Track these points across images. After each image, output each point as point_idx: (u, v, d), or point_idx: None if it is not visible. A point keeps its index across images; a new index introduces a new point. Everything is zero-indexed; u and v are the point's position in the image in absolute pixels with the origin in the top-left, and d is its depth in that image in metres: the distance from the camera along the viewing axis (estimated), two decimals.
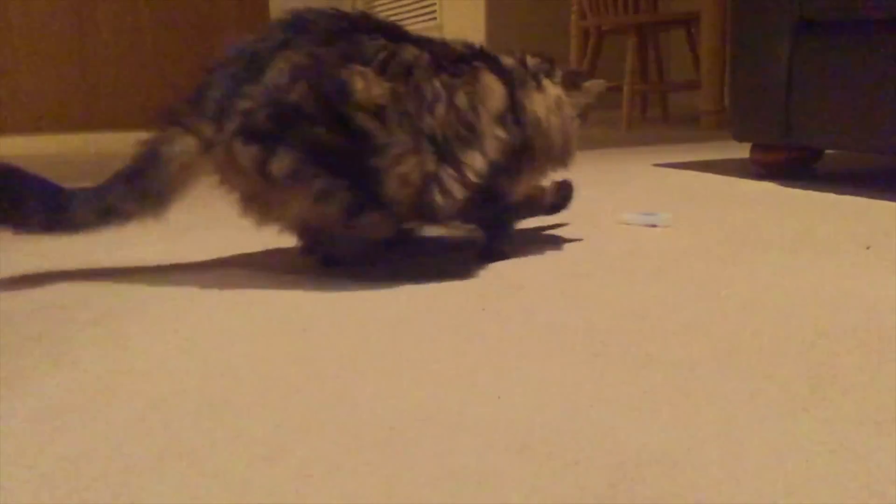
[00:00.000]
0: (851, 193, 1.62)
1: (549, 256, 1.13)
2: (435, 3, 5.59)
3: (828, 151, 2.23)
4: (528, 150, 1.09)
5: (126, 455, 0.56)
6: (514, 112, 1.07)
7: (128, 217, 1.00)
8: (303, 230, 1.11)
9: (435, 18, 5.60)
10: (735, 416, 0.60)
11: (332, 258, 1.12)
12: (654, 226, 1.33)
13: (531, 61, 1.14)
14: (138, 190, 0.99)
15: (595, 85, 1.20)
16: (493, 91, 1.04)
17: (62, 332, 0.84)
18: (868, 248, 1.13)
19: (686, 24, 3.64)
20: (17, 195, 1.00)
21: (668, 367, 0.70)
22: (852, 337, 0.76)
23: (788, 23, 1.72)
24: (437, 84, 1.00)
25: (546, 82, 1.13)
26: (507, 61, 1.12)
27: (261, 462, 0.54)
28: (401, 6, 6.15)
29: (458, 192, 1.01)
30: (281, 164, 0.95)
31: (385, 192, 0.99)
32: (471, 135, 1.01)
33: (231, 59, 1.00)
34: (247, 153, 0.96)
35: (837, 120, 1.64)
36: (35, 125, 4.32)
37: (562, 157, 1.16)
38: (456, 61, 1.04)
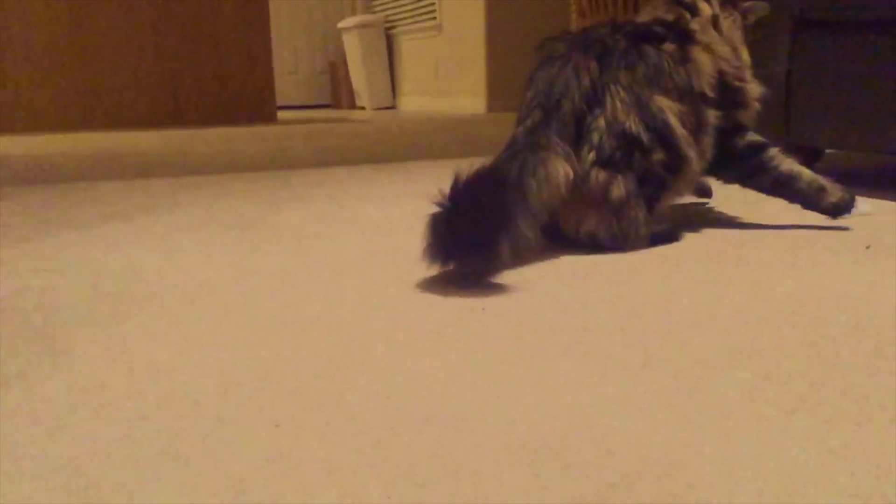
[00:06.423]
0: None
1: (549, 256, 1.13)
2: (434, 4, 5.58)
3: (828, 151, 2.24)
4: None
5: (126, 455, 0.56)
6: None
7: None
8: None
9: (434, 18, 5.60)
10: (735, 416, 0.60)
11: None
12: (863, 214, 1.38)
13: None
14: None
15: (756, 6, 1.33)
16: (705, 65, 1.21)
17: (62, 332, 0.84)
18: (868, 247, 1.13)
19: None
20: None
21: (668, 367, 0.70)
22: (852, 337, 0.76)
23: (788, 22, 1.72)
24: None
25: (702, 4, 1.26)
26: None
27: (261, 462, 0.54)
28: (401, 6, 6.15)
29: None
30: (619, 190, 1.09)
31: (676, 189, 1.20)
32: (703, 128, 1.19)
33: (562, 67, 1.11)
34: (597, 179, 1.09)
35: (837, 120, 1.64)
36: (35, 125, 4.32)
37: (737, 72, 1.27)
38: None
